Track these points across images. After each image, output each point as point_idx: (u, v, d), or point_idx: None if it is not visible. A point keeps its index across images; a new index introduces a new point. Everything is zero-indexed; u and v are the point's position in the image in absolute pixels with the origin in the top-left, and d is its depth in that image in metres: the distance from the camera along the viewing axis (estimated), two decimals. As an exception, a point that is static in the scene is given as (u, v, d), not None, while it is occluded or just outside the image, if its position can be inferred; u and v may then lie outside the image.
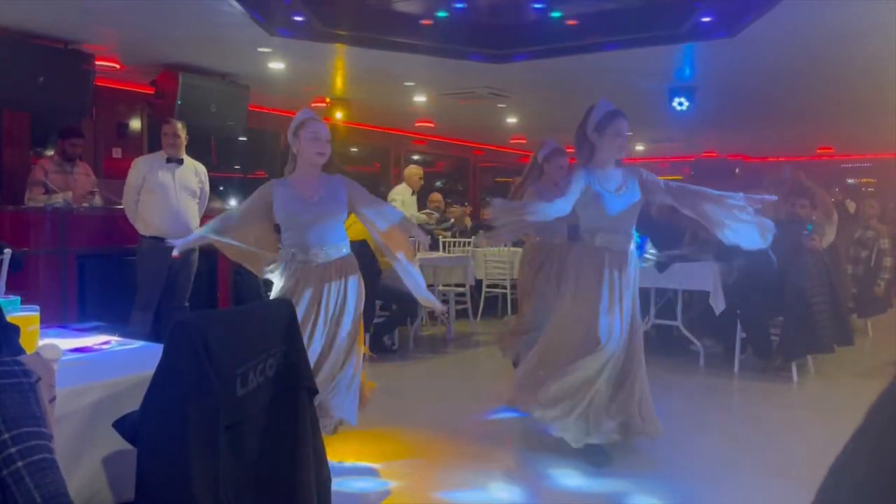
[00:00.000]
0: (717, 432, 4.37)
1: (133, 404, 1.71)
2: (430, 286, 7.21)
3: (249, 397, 1.79)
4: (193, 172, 5.33)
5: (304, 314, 3.40)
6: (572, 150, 3.97)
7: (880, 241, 7.53)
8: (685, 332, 6.08)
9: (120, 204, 5.61)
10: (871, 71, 6.70)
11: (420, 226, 4.97)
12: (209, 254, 5.87)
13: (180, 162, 5.22)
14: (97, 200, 5.73)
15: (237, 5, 5.06)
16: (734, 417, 4.82)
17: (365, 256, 4.78)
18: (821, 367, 5.76)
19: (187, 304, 5.28)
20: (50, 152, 7.13)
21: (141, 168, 5.16)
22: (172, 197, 5.13)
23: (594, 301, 3.60)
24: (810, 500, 0.78)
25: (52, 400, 1.49)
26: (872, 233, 7.61)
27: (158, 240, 5.05)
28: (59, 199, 5.48)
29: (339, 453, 3.60)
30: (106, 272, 5.16)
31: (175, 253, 3.82)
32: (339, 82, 7.83)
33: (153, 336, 4.53)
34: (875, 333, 7.51)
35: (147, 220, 5.12)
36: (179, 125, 5.24)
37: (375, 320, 5.98)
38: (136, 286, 5.11)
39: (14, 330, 1.73)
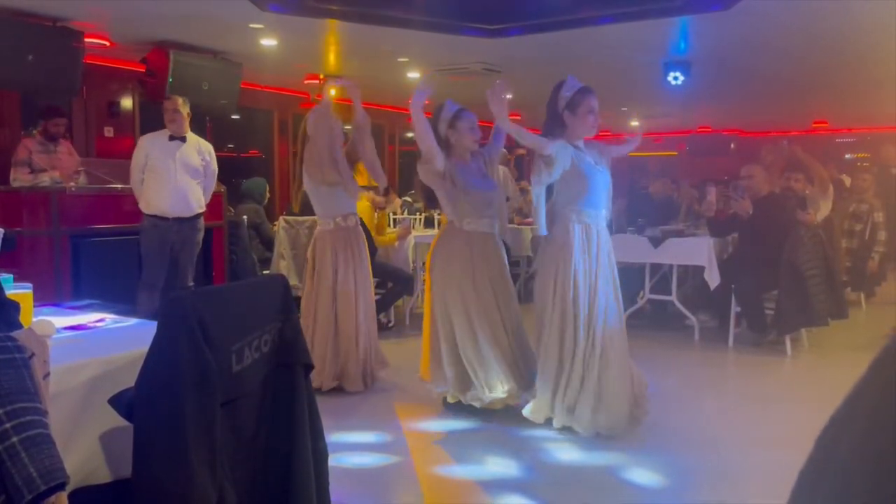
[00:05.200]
0: (712, 405, 4.40)
1: (129, 381, 1.71)
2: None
3: (245, 373, 1.78)
4: (197, 150, 5.24)
5: None
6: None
7: (875, 215, 7.54)
8: (680, 306, 6.10)
9: (111, 183, 5.59)
10: (867, 43, 6.66)
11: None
12: (205, 232, 5.86)
13: (183, 140, 5.14)
14: (82, 180, 5.69)
15: (227, -20, 5.00)
16: (729, 391, 4.85)
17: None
18: (815, 341, 5.79)
19: (192, 283, 5.24)
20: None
21: (144, 146, 5.11)
22: (172, 176, 5.06)
23: (582, 282, 3.60)
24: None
25: (47, 376, 1.48)
26: (867, 206, 7.62)
27: (158, 218, 5.01)
28: (45, 179, 5.44)
29: (337, 429, 3.62)
30: (100, 252, 5.14)
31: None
32: (331, 58, 7.76)
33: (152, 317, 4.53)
34: (869, 307, 7.56)
35: (148, 198, 5.07)
36: (181, 101, 5.15)
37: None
38: (140, 266, 5.11)
39: (14, 306, 1.71)
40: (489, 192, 3.98)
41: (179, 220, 5.11)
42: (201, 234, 5.29)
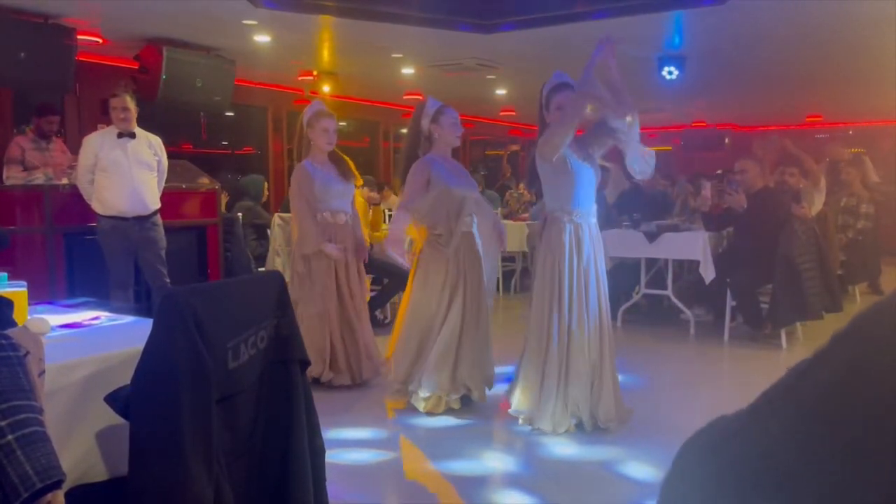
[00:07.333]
0: (708, 400, 4.41)
1: (124, 378, 1.70)
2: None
3: (241, 370, 1.78)
4: (147, 145, 5.05)
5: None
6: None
7: (865, 207, 7.60)
8: (676, 301, 6.11)
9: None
10: (861, 37, 6.67)
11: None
12: (199, 229, 5.85)
13: (132, 136, 4.96)
14: (75, 176, 5.63)
15: (220, -24, 4.98)
16: (724, 385, 4.86)
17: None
18: (810, 334, 5.82)
19: (167, 280, 5.13)
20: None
21: (92, 146, 4.90)
22: (127, 173, 4.88)
23: (575, 284, 3.61)
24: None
25: (42, 373, 1.48)
26: (856, 200, 7.68)
27: (117, 219, 4.86)
28: (38, 177, 5.39)
29: (332, 425, 3.62)
30: (94, 250, 5.11)
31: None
32: (325, 55, 7.74)
33: (138, 314, 4.49)
34: (863, 300, 7.58)
35: (103, 199, 4.87)
36: (128, 97, 4.98)
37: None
38: (106, 267, 5.00)
39: (8, 304, 1.70)
40: (469, 190, 4.04)
41: (139, 220, 4.92)
42: (160, 231, 5.07)
